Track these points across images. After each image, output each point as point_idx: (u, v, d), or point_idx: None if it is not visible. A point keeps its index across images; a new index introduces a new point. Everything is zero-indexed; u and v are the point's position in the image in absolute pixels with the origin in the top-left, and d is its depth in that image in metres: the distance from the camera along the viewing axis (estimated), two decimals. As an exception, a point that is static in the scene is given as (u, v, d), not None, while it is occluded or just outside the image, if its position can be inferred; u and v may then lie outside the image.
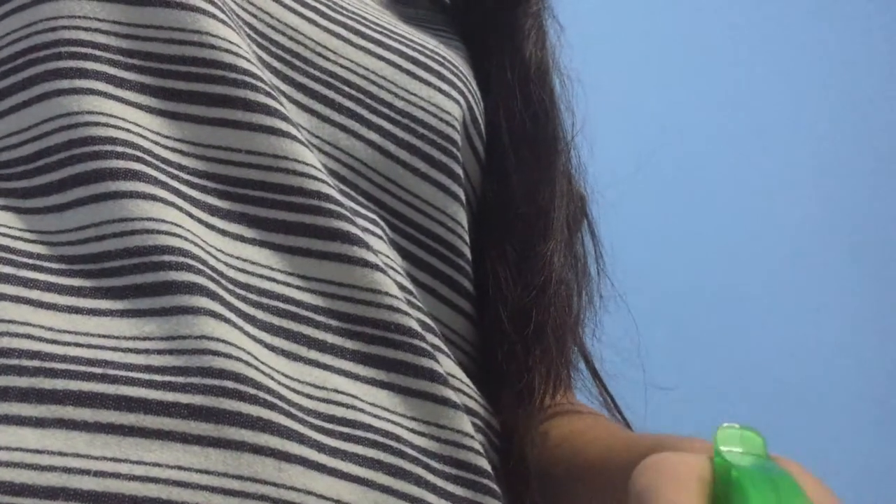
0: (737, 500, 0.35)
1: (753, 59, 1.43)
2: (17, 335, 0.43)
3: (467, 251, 0.56)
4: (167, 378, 0.43)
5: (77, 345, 0.44)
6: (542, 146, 0.61)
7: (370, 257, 0.49)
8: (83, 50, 0.48)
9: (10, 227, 0.47)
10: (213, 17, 0.49)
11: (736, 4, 1.44)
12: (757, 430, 0.39)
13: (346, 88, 0.53)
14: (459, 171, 0.55)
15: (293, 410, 0.45)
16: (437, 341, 0.52)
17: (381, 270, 0.50)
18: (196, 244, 0.46)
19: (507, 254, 0.58)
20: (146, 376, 0.43)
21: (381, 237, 0.52)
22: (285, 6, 0.53)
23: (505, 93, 0.61)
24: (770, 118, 1.42)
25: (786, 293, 1.36)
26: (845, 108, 1.43)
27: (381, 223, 0.53)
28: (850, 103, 1.44)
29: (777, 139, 1.41)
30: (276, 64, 0.52)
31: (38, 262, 0.46)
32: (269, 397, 0.44)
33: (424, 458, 0.48)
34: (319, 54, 0.53)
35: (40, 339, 0.43)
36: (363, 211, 0.52)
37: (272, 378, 0.45)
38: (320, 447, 0.45)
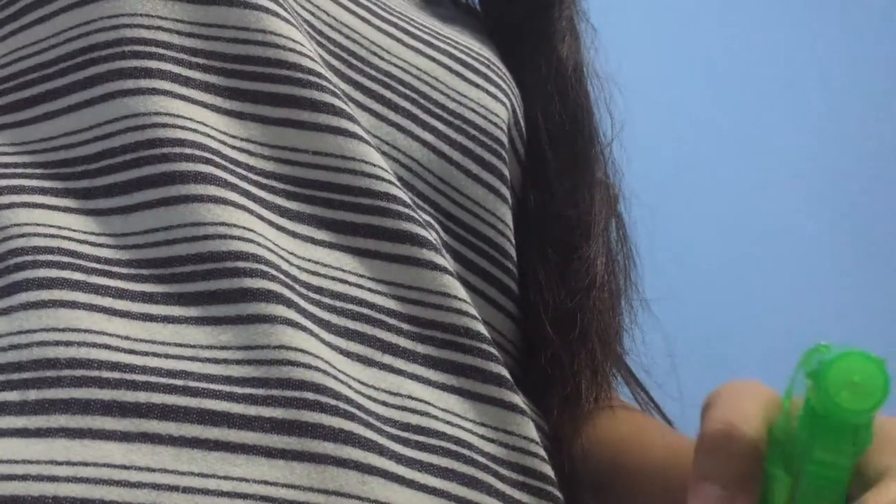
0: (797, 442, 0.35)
1: (793, 62, 1.42)
2: (94, 345, 0.42)
3: (514, 253, 0.56)
4: (248, 390, 0.42)
5: (155, 354, 0.43)
6: (580, 148, 0.61)
7: (439, 260, 0.49)
8: (147, 49, 0.47)
9: (74, 230, 0.46)
10: (277, 15, 0.48)
11: (774, 8, 1.43)
12: (880, 363, 0.33)
13: (402, 88, 0.53)
14: (507, 173, 0.55)
15: (371, 420, 0.44)
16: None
17: (450, 273, 0.49)
18: (269, 249, 0.45)
19: (548, 257, 0.57)
20: (227, 388, 0.42)
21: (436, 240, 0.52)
22: (341, 5, 0.53)
23: (543, 95, 0.61)
24: (811, 124, 1.40)
25: (813, 299, 1.35)
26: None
27: (435, 225, 0.52)
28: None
29: (819, 147, 1.40)
30: (334, 62, 0.52)
31: (107, 267, 0.45)
32: (348, 407, 0.43)
33: (494, 466, 0.48)
34: (374, 53, 0.53)
35: (118, 349, 0.42)
36: (420, 213, 0.52)
37: (350, 387, 0.44)
38: (399, 458, 0.44)
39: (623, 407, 0.62)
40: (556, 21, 0.63)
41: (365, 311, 0.47)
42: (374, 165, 0.49)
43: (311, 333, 0.45)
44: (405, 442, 0.45)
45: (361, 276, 0.48)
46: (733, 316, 1.31)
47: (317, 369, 0.43)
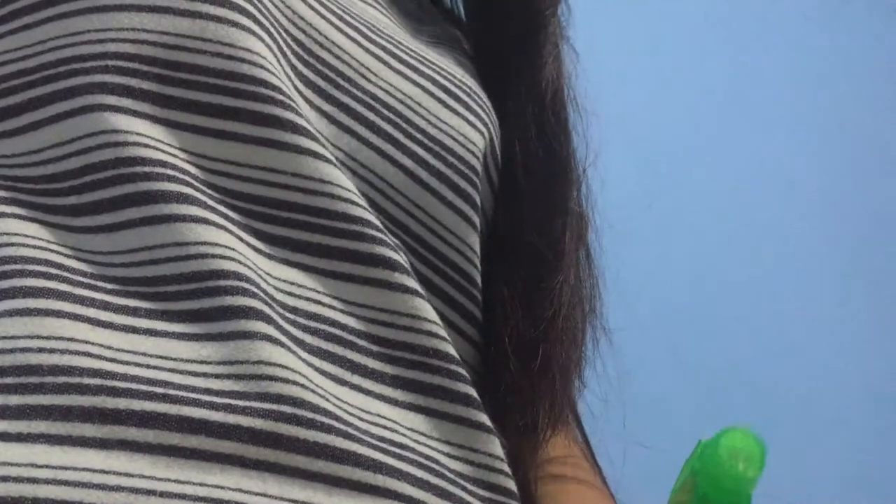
0: None
1: (771, 90, 1.43)
2: (77, 353, 0.43)
3: (479, 280, 0.57)
4: (227, 401, 0.44)
5: (136, 364, 0.44)
6: (554, 176, 0.62)
7: (410, 283, 0.51)
8: (131, 65, 0.48)
9: (62, 246, 0.47)
10: (254, 34, 0.49)
11: (756, 39, 1.44)
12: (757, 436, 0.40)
13: (386, 112, 0.54)
14: (479, 201, 0.57)
15: (350, 430, 0.46)
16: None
17: (421, 296, 0.51)
18: (249, 268, 0.47)
19: (515, 285, 0.59)
20: (206, 398, 0.44)
21: None
22: (333, 25, 0.54)
23: (521, 121, 0.62)
24: (787, 154, 1.41)
25: (786, 334, 1.36)
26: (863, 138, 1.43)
27: (403, 247, 0.53)
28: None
29: (800, 179, 1.41)
30: (320, 83, 0.53)
31: (93, 282, 0.46)
32: (325, 419, 0.45)
33: (461, 482, 0.50)
34: (362, 75, 0.54)
35: (100, 357, 0.44)
36: (389, 236, 0.53)
37: (328, 400, 0.46)
38: (377, 467, 0.46)
39: (575, 479, 0.64)
40: (541, 47, 0.64)
41: (337, 332, 0.49)
42: (349, 190, 0.50)
43: (289, 350, 0.46)
44: (385, 451, 0.47)
45: (335, 297, 0.50)
46: (703, 349, 1.32)
47: (295, 383, 0.45)
